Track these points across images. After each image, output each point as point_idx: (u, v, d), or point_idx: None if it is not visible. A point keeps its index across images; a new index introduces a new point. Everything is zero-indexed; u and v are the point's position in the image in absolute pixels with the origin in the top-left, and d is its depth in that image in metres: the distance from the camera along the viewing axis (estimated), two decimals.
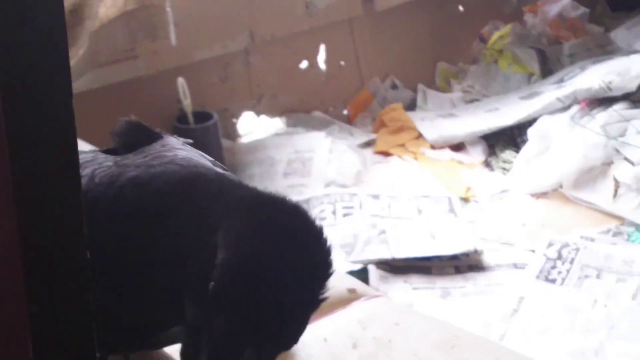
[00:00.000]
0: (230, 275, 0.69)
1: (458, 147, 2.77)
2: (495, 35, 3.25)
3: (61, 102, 0.45)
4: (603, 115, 2.53)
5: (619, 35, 3.32)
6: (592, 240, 2.21)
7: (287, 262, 0.70)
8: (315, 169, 2.49)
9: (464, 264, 2.15)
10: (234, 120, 2.70)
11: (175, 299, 0.74)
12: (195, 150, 0.89)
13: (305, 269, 0.72)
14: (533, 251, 2.17)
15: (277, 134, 2.70)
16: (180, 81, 2.38)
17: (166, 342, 0.91)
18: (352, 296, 1.63)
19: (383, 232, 2.24)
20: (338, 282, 1.68)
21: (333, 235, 2.26)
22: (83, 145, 1.47)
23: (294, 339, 0.73)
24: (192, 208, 0.76)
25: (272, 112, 2.72)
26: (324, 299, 0.73)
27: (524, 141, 2.67)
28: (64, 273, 0.44)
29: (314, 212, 2.36)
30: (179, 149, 0.86)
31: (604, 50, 3.20)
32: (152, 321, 0.80)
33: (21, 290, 0.41)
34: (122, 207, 0.78)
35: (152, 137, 0.90)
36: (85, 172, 0.80)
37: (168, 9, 2.21)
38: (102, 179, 0.80)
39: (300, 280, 0.71)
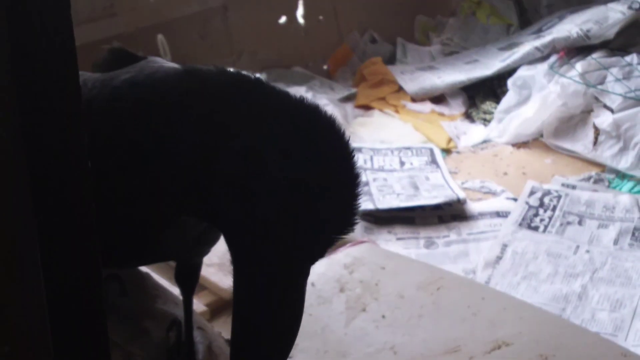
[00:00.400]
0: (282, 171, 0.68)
1: (438, 99, 2.78)
2: None
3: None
4: (582, 64, 2.54)
5: None
6: (574, 187, 2.23)
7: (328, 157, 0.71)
8: None
9: (447, 214, 2.16)
10: None
11: (177, 192, 0.73)
12: None
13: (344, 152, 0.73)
14: (515, 200, 2.19)
15: None
16: (160, 38, 2.36)
17: (161, 256, 0.91)
18: (339, 243, 1.64)
19: (366, 184, 2.24)
20: None
21: None
22: None
23: (350, 223, 0.72)
24: (196, 99, 0.73)
25: (253, 68, 2.71)
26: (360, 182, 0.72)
27: (504, 92, 2.68)
28: (66, 181, 0.44)
29: None
30: (168, 62, 0.83)
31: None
32: (151, 217, 0.78)
33: (28, 199, 0.42)
34: (119, 103, 0.75)
35: (137, 61, 0.85)
36: None
37: None
38: (95, 84, 0.78)
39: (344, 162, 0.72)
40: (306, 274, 0.72)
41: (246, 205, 0.69)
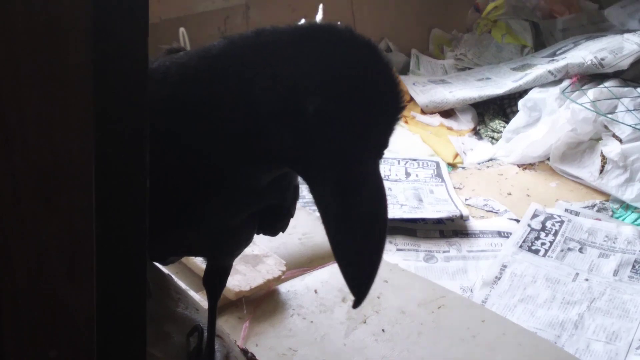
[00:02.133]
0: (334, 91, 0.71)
1: (448, 113, 2.79)
2: (491, 5, 3.26)
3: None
4: (594, 92, 2.55)
5: (612, 13, 3.34)
6: (577, 214, 2.24)
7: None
8: None
9: (449, 229, 2.17)
10: None
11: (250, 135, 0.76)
12: None
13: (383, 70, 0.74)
14: (518, 221, 2.20)
15: None
16: (182, 31, 2.37)
17: (202, 240, 0.93)
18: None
19: None
20: None
21: None
22: None
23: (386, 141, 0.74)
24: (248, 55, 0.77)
25: None
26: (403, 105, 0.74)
27: (514, 112, 2.69)
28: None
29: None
30: None
31: (597, 27, 3.23)
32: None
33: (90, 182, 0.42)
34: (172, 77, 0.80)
35: None
36: None
37: None
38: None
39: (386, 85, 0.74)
40: (378, 167, 0.74)
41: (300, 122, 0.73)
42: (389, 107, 0.73)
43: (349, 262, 0.74)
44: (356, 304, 0.75)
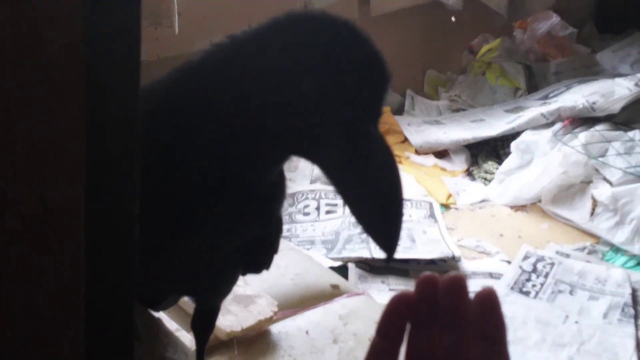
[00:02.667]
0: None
1: (442, 154, 2.82)
2: (485, 47, 3.30)
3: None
4: (585, 135, 2.58)
5: (604, 57, 3.38)
6: (567, 256, 2.26)
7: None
8: (302, 164, 2.52)
9: (441, 270, 2.18)
10: None
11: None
12: None
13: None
14: (509, 262, 2.21)
15: None
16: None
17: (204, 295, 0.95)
18: (334, 292, 1.66)
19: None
20: (322, 277, 1.72)
21: (315, 231, 2.30)
22: None
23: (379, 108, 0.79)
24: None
25: None
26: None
27: (507, 153, 2.71)
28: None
29: (299, 207, 2.40)
30: None
31: (590, 70, 3.27)
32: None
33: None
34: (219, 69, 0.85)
35: None
36: None
37: None
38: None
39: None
40: (377, 131, 0.79)
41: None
42: (377, 76, 0.78)
43: (375, 223, 0.78)
44: (388, 259, 0.78)
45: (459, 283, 0.71)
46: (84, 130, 0.44)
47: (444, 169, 2.74)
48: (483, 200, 2.59)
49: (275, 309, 1.52)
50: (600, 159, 2.48)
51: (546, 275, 2.14)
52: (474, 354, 0.71)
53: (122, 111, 0.48)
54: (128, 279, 0.50)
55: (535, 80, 3.21)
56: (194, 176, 0.83)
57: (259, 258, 1.01)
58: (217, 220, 0.87)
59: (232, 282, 1.02)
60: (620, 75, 3.05)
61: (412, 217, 2.41)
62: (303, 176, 2.51)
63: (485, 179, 2.70)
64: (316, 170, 2.51)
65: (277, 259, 1.03)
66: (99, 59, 0.47)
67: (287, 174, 2.44)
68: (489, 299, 0.71)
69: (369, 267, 2.15)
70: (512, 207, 2.55)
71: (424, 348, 0.72)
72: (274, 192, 0.93)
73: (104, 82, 0.47)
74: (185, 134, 0.83)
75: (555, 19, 3.46)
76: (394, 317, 0.72)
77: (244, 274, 1.03)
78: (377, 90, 0.79)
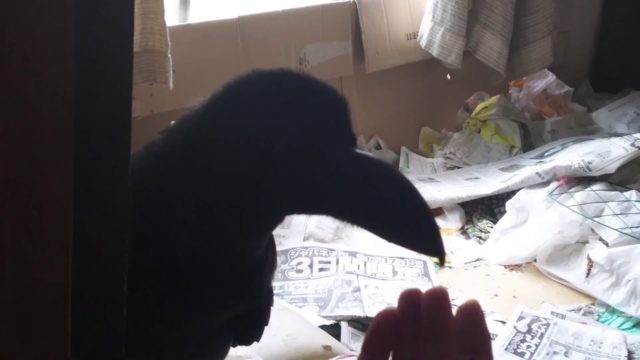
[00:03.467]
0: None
1: (436, 212, 2.80)
2: (480, 105, 3.31)
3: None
4: (581, 195, 2.57)
5: (600, 116, 3.40)
6: (563, 317, 2.24)
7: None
8: (295, 221, 2.51)
9: None
10: None
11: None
12: None
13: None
14: (503, 323, 2.19)
15: None
16: (173, 124, 2.40)
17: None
18: (326, 353, 1.64)
19: (357, 289, 2.25)
20: (314, 338, 1.70)
21: (308, 289, 2.28)
22: None
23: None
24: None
25: None
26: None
27: (502, 212, 2.70)
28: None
29: (292, 264, 2.38)
30: None
31: (585, 129, 3.27)
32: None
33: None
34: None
35: None
36: None
37: (169, 55, 2.23)
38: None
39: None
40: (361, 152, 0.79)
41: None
42: (333, 102, 0.79)
43: (412, 236, 0.76)
44: (442, 262, 0.77)
45: (441, 296, 0.71)
46: (71, 211, 0.43)
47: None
48: (477, 259, 2.58)
49: None
50: (596, 219, 2.47)
51: (541, 336, 2.12)
52: None
53: (111, 190, 0.47)
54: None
55: (531, 139, 3.21)
56: (180, 256, 0.82)
57: (250, 331, 0.99)
58: (207, 297, 0.85)
59: (223, 355, 1.00)
60: (616, 134, 3.06)
61: (405, 276, 2.39)
62: (296, 233, 2.50)
63: (480, 237, 2.69)
64: (309, 228, 2.50)
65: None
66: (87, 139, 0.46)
67: (280, 231, 2.44)
68: (472, 311, 0.70)
69: (362, 325, 2.13)
70: (507, 267, 2.53)
71: None
72: (264, 262, 0.92)
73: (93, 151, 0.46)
74: (162, 222, 0.82)
75: (551, 77, 3.48)
76: (379, 333, 0.72)
77: (234, 345, 1.01)
78: (342, 114, 0.79)
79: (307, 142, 0.76)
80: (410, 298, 0.71)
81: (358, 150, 0.77)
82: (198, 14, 2.56)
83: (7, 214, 0.40)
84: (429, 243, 0.76)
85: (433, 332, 0.71)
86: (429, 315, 0.71)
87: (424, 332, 0.71)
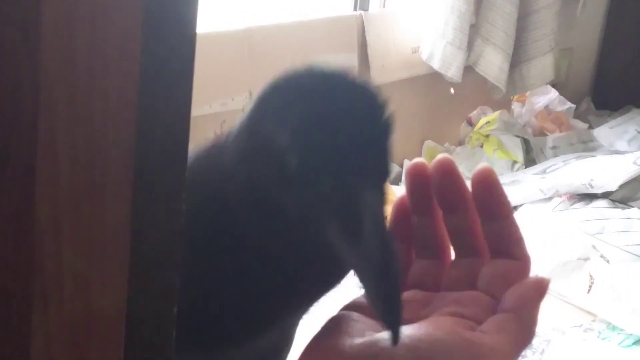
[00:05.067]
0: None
1: None
2: (483, 120, 3.33)
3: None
4: (583, 211, 2.59)
5: (601, 133, 3.42)
6: (564, 333, 2.25)
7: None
8: None
9: None
10: None
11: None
12: None
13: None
14: None
15: None
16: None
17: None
18: None
19: None
20: None
21: (324, 314, 2.29)
22: None
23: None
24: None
25: None
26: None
27: None
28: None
29: None
30: None
31: (586, 146, 3.30)
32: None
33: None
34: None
35: None
36: None
37: None
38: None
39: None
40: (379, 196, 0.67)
41: None
42: (372, 128, 0.67)
43: (375, 305, 0.66)
44: (395, 338, 0.64)
45: (449, 163, 0.71)
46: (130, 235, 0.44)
47: None
48: None
49: None
50: (598, 236, 2.49)
51: (542, 352, 2.13)
52: (484, 233, 0.70)
53: (166, 217, 0.48)
54: None
55: (533, 154, 3.23)
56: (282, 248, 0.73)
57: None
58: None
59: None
60: (617, 152, 3.08)
61: None
62: None
63: None
64: None
65: None
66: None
67: None
68: (487, 177, 0.69)
69: None
70: None
71: (429, 234, 0.72)
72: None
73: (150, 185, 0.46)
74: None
75: (553, 94, 3.50)
76: (398, 217, 0.72)
77: None
78: (378, 147, 0.67)
79: (325, 167, 0.64)
80: (417, 170, 0.71)
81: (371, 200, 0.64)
82: (206, 24, 2.57)
83: (68, 237, 0.42)
84: (386, 314, 0.65)
85: (449, 201, 0.70)
86: (441, 184, 0.70)
87: (440, 204, 0.71)
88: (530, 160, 3.21)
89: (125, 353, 0.44)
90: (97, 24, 0.41)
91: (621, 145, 3.33)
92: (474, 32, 3.14)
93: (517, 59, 3.21)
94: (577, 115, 3.62)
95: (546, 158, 3.17)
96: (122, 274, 0.42)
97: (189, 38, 0.46)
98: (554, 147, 3.25)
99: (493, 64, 3.13)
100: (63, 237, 0.41)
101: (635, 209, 2.62)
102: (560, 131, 3.39)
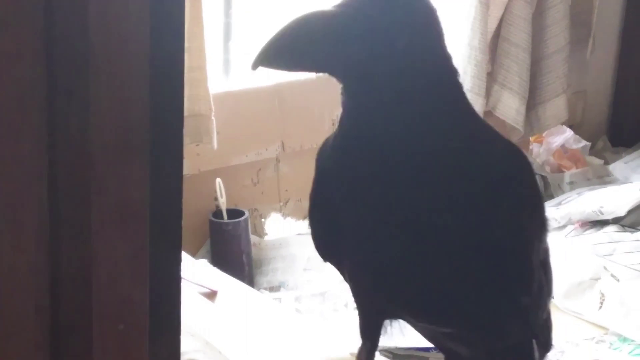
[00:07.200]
0: None
1: None
2: None
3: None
4: (594, 236, 2.77)
5: (617, 168, 3.57)
6: (577, 345, 2.41)
7: None
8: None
9: None
10: (263, 219, 2.95)
11: None
12: None
13: None
14: None
15: (299, 234, 2.94)
16: (218, 181, 2.68)
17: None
18: None
19: (389, 323, 2.44)
20: None
21: (344, 323, 2.47)
22: None
23: None
24: None
25: (297, 214, 2.97)
26: None
27: None
28: None
29: (328, 305, 2.59)
30: None
31: (602, 180, 3.45)
32: None
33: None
34: None
35: None
36: None
37: (213, 118, 2.52)
38: None
39: None
40: None
41: None
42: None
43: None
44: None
45: None
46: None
47: None
48: None
49: None
50: (608, 258, 2.66)
51: None
52: None
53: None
54: None
55: (551, 190, 3.40)
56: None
57: None
58: None
59: None
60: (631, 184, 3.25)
61: None
62: (332, 276, 2.71)
63: None
64: None
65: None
66: None
67: (318, 275, 2.65)
68: None
69: (392, 355, 2.31)
70: None
71: None
72: None
73: None
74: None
75: (568, 133, 3.66)
76: None
77: None
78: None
79: None
80: None
81: None
82: (238, 81, 2.84)
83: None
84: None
85: None
86: None
87: None
88: (548, 195, 3.36)
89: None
90: None
91: (636, 178, 3.46)
92: (491, 79, 3.34)
93: (532, 102, 3.39)
94: (594, 152, 3.77)
95: (563, 192, 3.33)
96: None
97: None
98: (571, 183, 3.42)
99: (511, 108, 3.31)
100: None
101: None
102: (577, 168, 3.54)
